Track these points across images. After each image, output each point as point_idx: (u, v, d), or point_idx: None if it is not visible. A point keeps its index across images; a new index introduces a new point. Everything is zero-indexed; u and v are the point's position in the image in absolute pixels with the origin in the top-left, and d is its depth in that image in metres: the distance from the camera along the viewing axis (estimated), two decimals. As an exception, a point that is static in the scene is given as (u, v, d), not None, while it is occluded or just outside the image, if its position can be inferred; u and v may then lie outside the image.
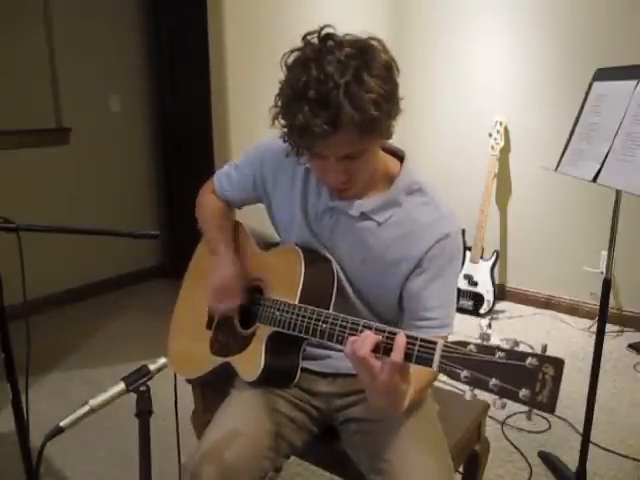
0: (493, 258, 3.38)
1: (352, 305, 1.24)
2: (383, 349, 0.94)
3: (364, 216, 1.19)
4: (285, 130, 1.08)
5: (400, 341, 0.92)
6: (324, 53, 1.00)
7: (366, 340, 0.94)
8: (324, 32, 1.04)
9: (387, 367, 0.91)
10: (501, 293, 3.59)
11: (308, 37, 1.04)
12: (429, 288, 1.16)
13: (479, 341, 0.87)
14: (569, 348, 2.94)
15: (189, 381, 1.54)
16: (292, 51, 1.05)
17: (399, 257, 1.17)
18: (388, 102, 1.02)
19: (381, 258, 1.19)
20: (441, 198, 1.20)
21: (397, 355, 0.91)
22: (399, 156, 1.24)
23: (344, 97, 0.97)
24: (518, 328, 3.21)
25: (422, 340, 0.92)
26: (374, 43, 1.04)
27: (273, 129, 1.12)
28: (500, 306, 3.52)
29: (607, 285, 1.68)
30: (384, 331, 0.96)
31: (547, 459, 2.05)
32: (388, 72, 1.03)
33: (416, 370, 0.96)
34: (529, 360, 0.80)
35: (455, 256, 1.18)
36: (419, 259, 1.16)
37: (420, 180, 1.20)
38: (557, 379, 0.79)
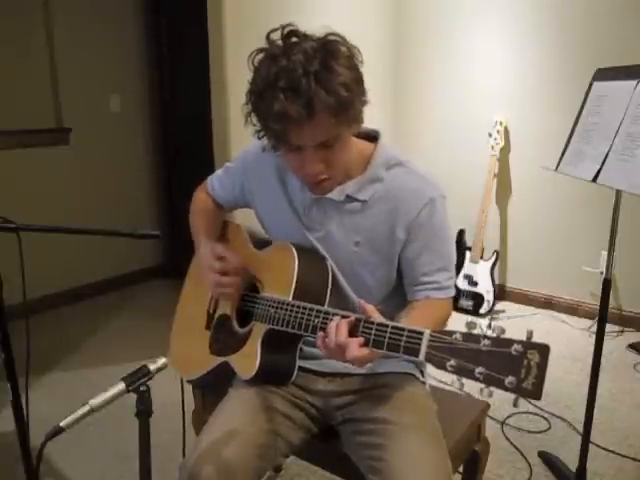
0: (493, 258, 3.38)
1: (348, 302, 1.24)
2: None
3: (349, 198, 1.22)
4: (259, 125, 1.11)
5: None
6: (290, 47, 1.04)
7: (340, 329, 1.01)
8: (287, 30, 1.07)
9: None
10: (501, 293, 3.59)
11: (272, 36, 1.08)
12: (424, 254, 1.19)
13: (465, 329, 0.86)
14: (569, 348, 2.94)
15: (189, 381, 1.54)
16: (259, 51, 1.09)
17: (391, 228, 1.20)
18: (357, 86, 1.06)
19: (374, 236, 1.21)
20: (420, 167, 1.23)
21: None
22: (372, 137, 1.26)
23: (315, 84, 1.00)
24: (518, 328, 3.19)
25: (409, 330, 0.92)
26: (335, 37, 1.07)
27: (247, 128, 1.14)
28: (500, 306, 3.52)
29: (607, 285, 1.68)
30: (364, 320, 1.00)
31: (547, 459, 2.05)
32: (351, 61, 1.07)
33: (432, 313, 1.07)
34: (514, 347, 0.80)
35: (444, 219, 1.21)
36: (409, 226, 1.19)
37: (397, 155, 1.23)
38: (542, 365, 0.78)
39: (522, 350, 0.79)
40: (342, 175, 1.19)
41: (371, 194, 1.21)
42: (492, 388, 0.81)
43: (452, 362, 0.84)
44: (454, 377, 0.85)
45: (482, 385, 0.82)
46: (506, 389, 0.79)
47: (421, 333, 0.90)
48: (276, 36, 1.07)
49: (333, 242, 1.24)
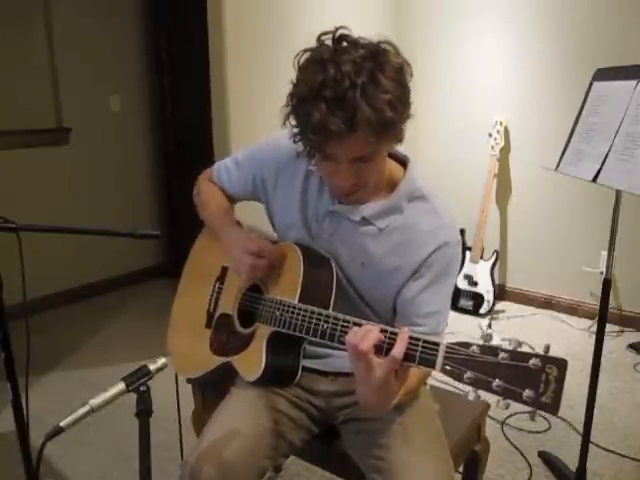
0: (493, 258, 3.39)
1: (354, 305, 1.23)
2: (385, 350, 0.94)
3: (365, 221, 1.19)
4: (297, 130, 1.07)
5: (403, 335, 0.92)
6: (339, 53, 1.01)
7: (369, 334, 0.93)
8: (339, 33, 1.04)
9: (386, 363, 0.91)
10: (501, 293, 3.59)
11: (323, 37, 1.05)
12: (422, 295, 1.16)
13: (482, 342, 0.87)
14: (569, 348, 2.94)
15: (189, 380, 1.54)
16: (306, 51, 1.05)
17: (398, 264, 1.17)
18: (402, 104, 1.03)
19: (380, 263, 1.19)
20: (442, 206, 1.20)
21: (398, 350, 0.90)
22: (402, 162, 1.24)
23: (361, 97, 0.97)
24: (518, 328, 3.21)
25: (425, 341, 0.92)
26: (387, 47, 1.04)
27: (278, 129, 1.11)
28: (500, 306, 3.52)
29: (607, 285, 1.68)
30: (386, 331, 0.96)
31: (547, 459, 2.05)
32: (401, 75, 1.03)
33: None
34: (532, 361, 0.80)
35: (452, 265, 1.18)
36: (417, 266, 1.16)
37: (422, 187, 1.20)
38: (560, 380, 0.79)
39: (540, 365, 0.79)
40: (372, 189, 1.17)
41: (388, 223, 1.18)
42: (509, 401, 0.82)
43: (469, 374, 0.85)
44: (470, 388, 0.86)
45: (499, 397, 0.83)
46: (524, 402, 0.80)
47: (437, 344, 0.90)
48: (327, 38, 1.04)
49: (339, 256, 1.22)
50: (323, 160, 1.10)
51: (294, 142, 1.11)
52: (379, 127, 1.00)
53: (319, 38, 1.05)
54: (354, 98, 0.97)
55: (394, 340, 0.93)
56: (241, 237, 1.28)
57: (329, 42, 1.03)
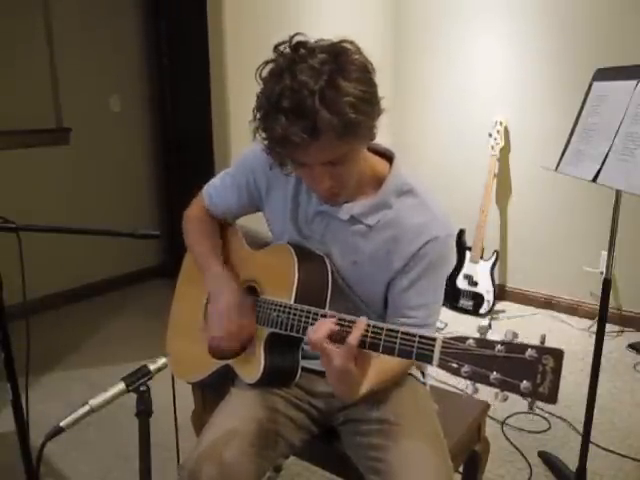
0: (493, 258, 3.38)
1: (348, 301, 1.24)
2: (344, 339, 0.98)
3: (354, 220, 1.19)
4: (265, 143, 1.07)
5: (359, 325, 0.97)
6: (297, 62, 0.99)
7: (321, 326, 0.99)
8: (295, 41, 1.03)
9: (342, 351, 0.96)
10: (501, 293, 3.59)
11: (280, 47, 1.03)
12: (413, 287, 1.16)
13: (478, 335, 0.87)
14: (569, 348, 2.94)
15: (189, 382, 1.54)
16: (266, 63, 1.04)
17: (390, 258, 1.17)
18: (366, 103, 1.01)
19: (372, 260, 1.19)
20: (433, 199, 1.19)
21: (353, 336, 0.96)
22: (388, 157, 1.23)
23: (320, 104, 0.96)
24: (518, 328, 3.18)
25: (421, 337, 0.92)
26: (347, 46, 1.03)
27: (256, 142, 1.10)
28: (500, 306, 3.52)
29: (607, 285, 1.68)
30: (344, 320, 1.01)
31: (547, 459, 2.05)
32: (364, 74, 1.02)
33: (380, 362, 1.02)
34: (529, 352, 0.80)
35: (443, 258, 1.18)
36: (408, 259, 1.16)
37: (411, 181, 1.19)
38: (557, 370, 0.79)
39: (537, 355, 0.80)
40: (354, 188, 1.16)
41: (377, 220, 1.18)
42: (507, 393, 0.82)
43: (466, 368, 0.85)
44: (468, 382, 0.86)
45: (497, 390, 0.83)
46: (522, 394, 0.80)
47: (433, 339, 0.90)
48: (284, 47, 1.03)
49: (331, 256, 1.22)
50: (297, 168, 1.10)
51: (267, 154, 1.10)
52: (342, 130, 0.98)
53: (276, 48, 1.03)
54: (313, 105, 0.96)
55: (351, 329, 0.98)
56: (227, 304, 1.24)
57: (287, 51, 1.02)
